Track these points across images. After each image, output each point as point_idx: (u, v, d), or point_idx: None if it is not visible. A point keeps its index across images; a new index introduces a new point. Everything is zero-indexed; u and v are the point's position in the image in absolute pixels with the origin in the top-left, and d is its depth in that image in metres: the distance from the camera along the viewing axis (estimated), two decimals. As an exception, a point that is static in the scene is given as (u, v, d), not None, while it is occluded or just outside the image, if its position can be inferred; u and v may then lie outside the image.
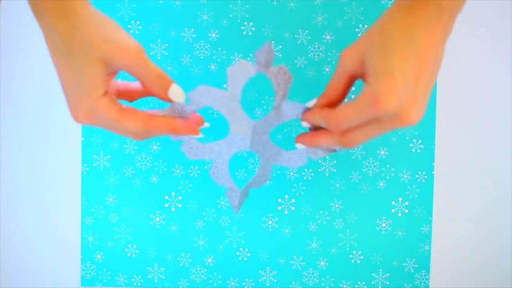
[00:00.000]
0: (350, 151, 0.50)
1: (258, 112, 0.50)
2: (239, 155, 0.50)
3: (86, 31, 0.35)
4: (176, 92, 0.39)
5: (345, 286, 0.50)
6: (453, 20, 0.37)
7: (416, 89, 0.35)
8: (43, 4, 0.35)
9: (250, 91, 0.50)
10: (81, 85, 0.36)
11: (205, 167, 0.50)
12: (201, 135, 0.42)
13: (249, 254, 0.50)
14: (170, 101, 0.40)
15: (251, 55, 0.49)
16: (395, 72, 0.34)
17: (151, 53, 0.49)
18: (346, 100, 0.42)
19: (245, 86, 0.48)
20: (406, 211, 0.50)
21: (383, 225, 0.50)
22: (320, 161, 0.50)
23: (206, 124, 0.43)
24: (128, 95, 0.41)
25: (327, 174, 0.50)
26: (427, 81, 0.35)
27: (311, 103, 0.42)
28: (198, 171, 0.50)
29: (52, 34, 0.36)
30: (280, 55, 0.49)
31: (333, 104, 0.40)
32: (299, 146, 0.43)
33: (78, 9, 0.35)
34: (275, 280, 0.50)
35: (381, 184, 0.50)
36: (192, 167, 0.50)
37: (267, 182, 0.46)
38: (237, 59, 0.49)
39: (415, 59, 0.35)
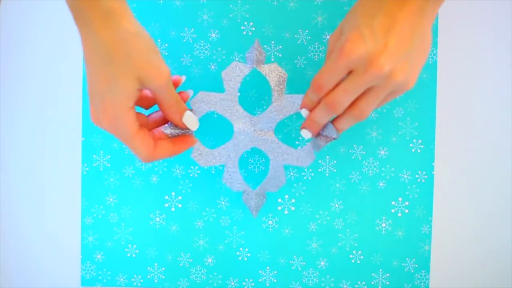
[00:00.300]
0: (350, 151, 0.50)
1: (258, 112, 0.50)
2: (245, 155, 0.50)
3: (129, 45, 0.37)
4: (190, 118, 0.42)
5: (345, 286, 0.50)
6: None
7: (387, 40, 0.37)
8: (91, 13, 0.37)
9: (249, 92, 0.50)
10: (114, 93, 0.38)
11: (205, 167, 0.50)
12: (197, 141, 0.44)
13: (249, 254, 0.50)
14: (183, 127, 0.43)
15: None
16: (361, 25, 0.37)
17: (151, 53, 0.49)
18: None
19: (244, 87, 0.49)
20: (406, 211, 0.50)
21: (383, 225, 0.50)
22: (320, 161, 0.50)
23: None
24: (144, 102, 0.43)
25: (327, 174, 0.50)
26: (401, 38, 0.37)
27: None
28: (198, 171, 0.50)
29: (94, 41, 0.37)
30: (280, 55, 0.49)
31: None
32: (303, 133, 0.44)
33: (125, 22, 0.37)
34: (275, 280, 0.50)
35: (381, 184, 0.50)
36: (192, 167, 0.50)
37: (283, 183, 0.46)
38: (237, 59, 0.49)
39: (384, 17, 0.37)
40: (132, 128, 0.40)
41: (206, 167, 0.50)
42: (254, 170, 0.50)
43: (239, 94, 0.46)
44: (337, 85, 0.39)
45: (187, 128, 0.43)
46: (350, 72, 0.38)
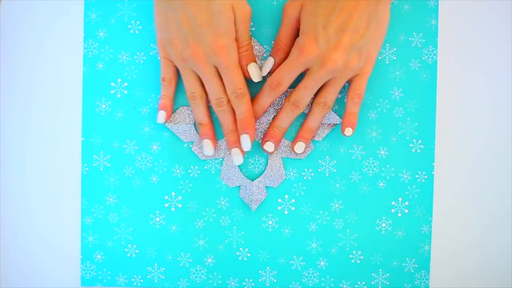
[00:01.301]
0: (350, 151, 0.50)
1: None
2: (246, 155, 0.50)
3: None
4: (255, 68, 0.46)
5: (345, 286, 0.50)
6: None
7: (340, 37, 0.42)
8: None
9: (249, 89, 0.50)
10: (223, 24, 0.43)
11: (205, 167, 0.50)
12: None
13: (249, 254, 0.50)
14: (246, 74, 0.46)
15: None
16: (318, 26, 0.42)
17: (151, 53, 0.49)
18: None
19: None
20: (406, 211, 0.50)
21: (383, 225, 0.50)
22: (320, 161, 0.50)
23: None
24: None
25: (327, 174, 0.50)
26: (355, 32, 0.42)
27: (268, 63, 0.46)
28: (198, 171, 0.50)
29: None
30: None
31: (287, 54, 0.46)
32: (267, 146, 0.48)
33: None
34: (275, 280, 0.50)
35: (381, 184, 0.50)
36: (192, 167, 0.50)
37: (283, 178, 0.49)
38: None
39: (340, 15, 0.41)
40: (237, 56, 0.45)
41: (206, 167, 0.50)
42: (254, 170, 0.50)
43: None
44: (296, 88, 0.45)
45: (250, 78, 0.46)
46: (307, 71, 0.44)
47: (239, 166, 0.49)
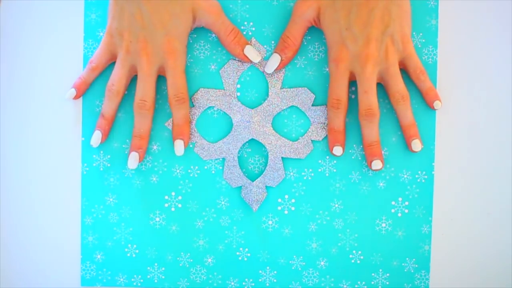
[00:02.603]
0: (350, 151, 0.50)
1: (256, 103, 0.50)
2: (245, 155, 0.50)
3: None
4: (251, 50, 0.46)
5: (345, 286, 0.50)
6: None
7: (368, 32, 0.42)
8: None
9: (247, 87, 0.50)
10: (179, 27, 0.44)
11: (205, 167, 0.50)
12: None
13: (249, 254, 0.50)
14: (246, 59, 0.46)
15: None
16: (342, 29, 0.43)
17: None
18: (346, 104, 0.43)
19: (242, 83, 0.49)
20: (406, 211, 0.50)
21: (383, 225, 0.50)
22: (320, 161, 0.50)
23: None
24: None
25: (327, 174, 0.50)
26: (380, 21, 0.42)
27: (275, 60, 0.47)
28: (198, 171, 0.50)
29: None
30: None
31: (295, 53, 0.47)
32: (336, 150, 0.48)
33: None
34: (275, 280, 0.50)
35: (381, 184, 0.50)
36: (192, 167, 0.50)
37: (283, 177, 0.49)
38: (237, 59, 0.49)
39: (358, 9, 0.42)
40: (184, 62, 0.46)
41: (206, 167, 0.50)
42: (254, 170, 0.50)
43: (238, 90, 0.49)
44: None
45: (249, 60, 0.46)
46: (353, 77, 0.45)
47: (241, 166, 0.49)
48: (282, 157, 0.49)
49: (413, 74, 0.46)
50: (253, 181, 0.49)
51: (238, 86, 0.49)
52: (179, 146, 0.48)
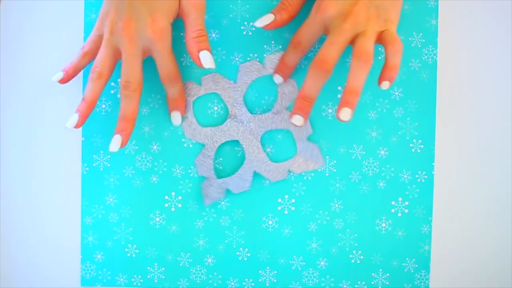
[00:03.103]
0: (350, 151, 0.50)
1: (257, 111, 0.50)
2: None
3: None
4: (207, 56, 0.44)
5: (345, 286, 0.50)
6: None
7: None
8: None
9: (257, 92, 0.50)
10: (164, 7, 0.43)
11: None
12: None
13: (249, 254, 0.50)
14: (197, 61, 0.44)
15: (251, 55, 0.49)
16: None
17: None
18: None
19: (254, 88, 0.49)
20: (406, 211, 0.50)
21: (383, 225, 0.50)
22: (320, 161, 0.50)
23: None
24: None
25: (327, 174, 0.50)
26: None
27: (267, 17, 0.45)
28: (198, 171, 0.50)
29: None
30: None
31: (290, 18, 0.46)
32: (276, 78, 0.48)
33: None
34: (275, 280, 0.50)
35: (381, 184, 0.50)
36: (192, 167, 0.50)
37: (247, 189, 0.49)
38: (236, 59, 0.49)
39: None
40: (170, 42, 0.44)
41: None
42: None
43: (247, 91, 0.49)
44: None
45: (202, 66, 0.44)
46: (327, 32, 0.43)
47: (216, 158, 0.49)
48: (254, 171, 0.49)
49: (389, 43, 0.43)
50: (218, 178, 0.49)
51: (249, 88, 0.49)
52: (176, 117, 0.48)
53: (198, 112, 0.50)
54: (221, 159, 0.50)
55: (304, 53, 0.46)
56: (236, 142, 0.49)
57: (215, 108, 0.50)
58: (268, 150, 0.49)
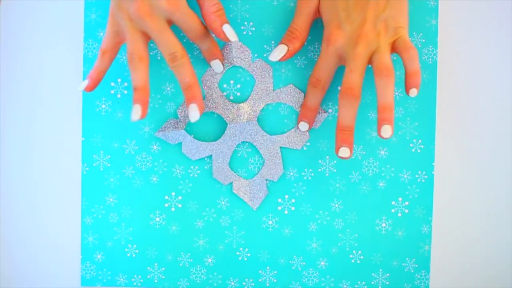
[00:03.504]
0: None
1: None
2: (239, 154, 0.50)
3: None
4: (230, 29, 0.45)
5: (345, 286, 0.50)
6: None
7: (364, 15, 0.42)
8: None
9: (234, 90, 0.50)
10: None
11: (206, 167, 0.50)
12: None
13: (249, 254, 0.50)
14: (222, 35, 0.44)
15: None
16: (339, 10, 0.43)
17: (152, 53, 0.49)
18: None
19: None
20: (406, 211, 0.50)
21: (383, 225, 0.50)
22: (320, 161, 0.50)
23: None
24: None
25: (327, 174, 0.50)
26: (377, 5, 0.42)
27: (280, 49, 0.46)
28: (198, 171, 0.50)
29: None
30: (280, 55, 0.49)
31: (302, 45, 0.47)
32: (302, 126, 0.48)
33: None
34: (275, 280, 0.50)
35: (381, 184, 0.50)
36: (192, 167, 0.50)
37: (282, 171, 0.49)
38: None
39: None
40: (187, 5, 0.43)
41: (206, 167, 0.50)
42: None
43: (223, 91, 0.48)
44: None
45: (227, 40, 0.45)
46: (342, 62, 0.44)
47: (229, 164, 0.49)
48: (280, 147, 0.49)
49: (403, 51, 0.43)
50: (248, 178, 0.49)
51: (224, 91, 0.49)
52: (216, 65, 0.47)
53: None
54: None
55: (324, 91, 0.46)
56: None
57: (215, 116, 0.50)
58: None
